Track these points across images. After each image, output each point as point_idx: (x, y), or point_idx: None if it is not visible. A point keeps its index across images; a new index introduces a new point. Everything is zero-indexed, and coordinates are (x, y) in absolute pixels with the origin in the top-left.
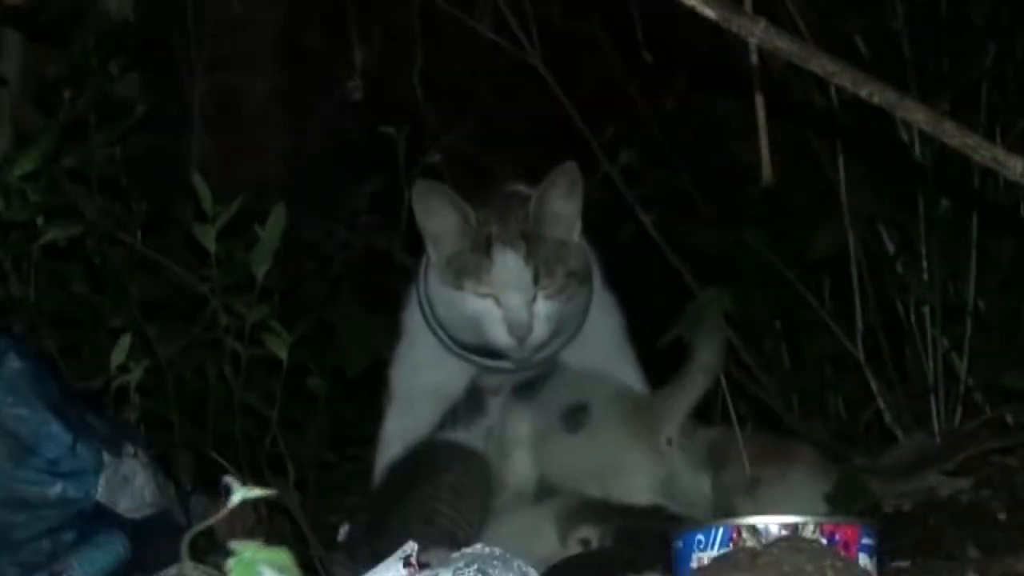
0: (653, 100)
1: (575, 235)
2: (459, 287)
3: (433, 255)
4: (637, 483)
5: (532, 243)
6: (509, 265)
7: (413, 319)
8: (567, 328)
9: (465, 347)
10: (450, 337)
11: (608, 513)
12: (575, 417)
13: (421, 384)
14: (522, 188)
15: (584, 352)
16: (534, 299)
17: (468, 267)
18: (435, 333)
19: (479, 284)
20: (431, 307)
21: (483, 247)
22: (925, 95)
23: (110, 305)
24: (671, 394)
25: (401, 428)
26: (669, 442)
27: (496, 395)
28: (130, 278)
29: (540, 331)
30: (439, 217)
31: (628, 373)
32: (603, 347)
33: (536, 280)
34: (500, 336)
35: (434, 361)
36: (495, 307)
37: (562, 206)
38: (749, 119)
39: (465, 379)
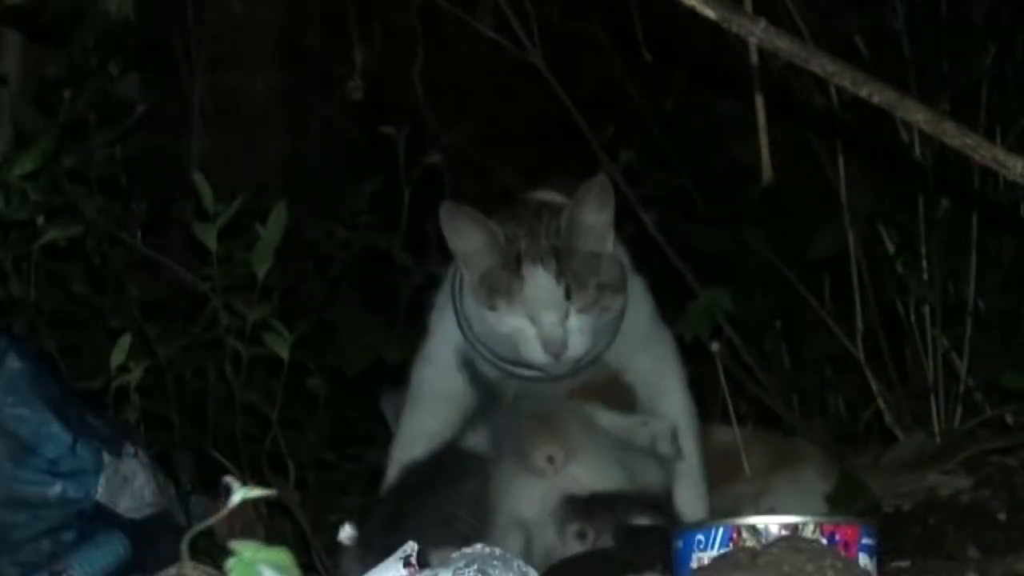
0: (653, 100)
1: (608, 246)
2: (492, 307)
3: (466, 275)
4: (509, 508)
5: (563, 258)
6: (540, 282)
7: (442, 323)
8: (604, 335)
9: (503, 360)
10: (489, 351)
11: (600, 505)
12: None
13: (444, 387)
14: (550, 196)
15: (620, 340)
16: (567, 315)
17: (499, 286)
18: (474, 347)
19: (511, 303)
20: (468, 324)
21: (513, 265)
22: (925, 95)
23: (110, 305)
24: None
25: (420, 428)
26: (550, 460)
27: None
28: (130, 278)
29: (576, 346)
30: (467, 238)
31: (665, 354)
32: (638, 331)
33: (568, 296)
34: (536, 354)
35: (458, 365)
36: (529, 325)
37: (594, 219)
38: (749, 119)
39: (483, 389)
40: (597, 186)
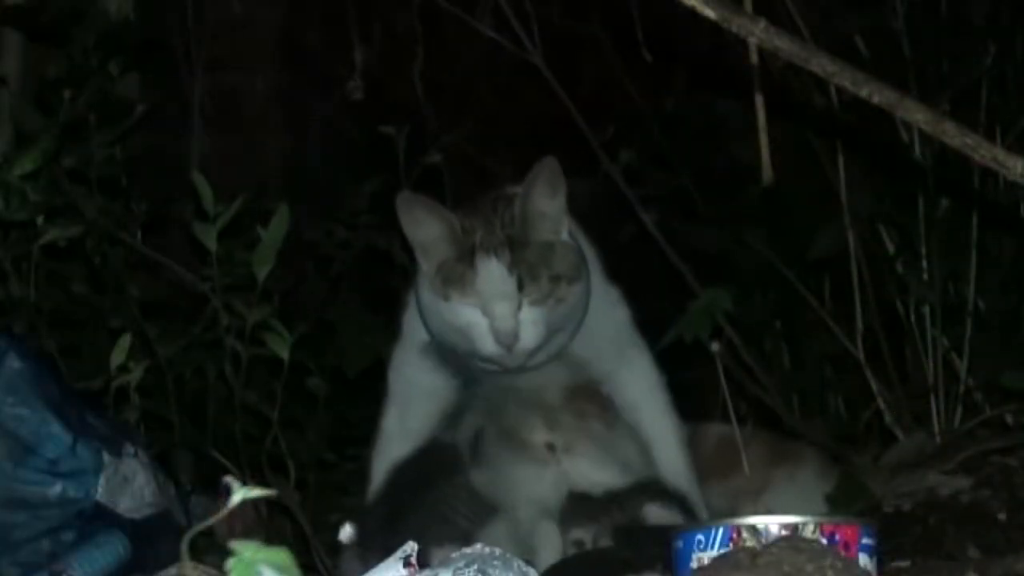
0: (653, 100)
1: (562, 232)
2: (446, 297)
3: (423, 265)
4: (527, 496)
5: (517, 249)
6: (493, 274)
7: (411, 321)
8: (563, 328)
9: (458, 352)
10: (445, 343)
11: (599, 512)
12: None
13: (418, 384)
14: (516, 190)
15: (595, 347)
16: (520, 306)
17: (453, 277)
18: (434, 339)
19: (464, 294)
20: (425, 316)
21: (467, 256)
22: (925, 95)
23: (110, 305)
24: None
25: (399, 427)
26: (550, 447)
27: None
28: (130, 278)
29: (528, 338)
30: (425, 228)
31: (641, 364)
32: (613, 341)
33: (520, 287)
34: (488, 345)
35: (431, 362)
36: (481, 317)
37: (546, 204)
38: (749, 119)
39: (461, 380)
40: (546, 170)
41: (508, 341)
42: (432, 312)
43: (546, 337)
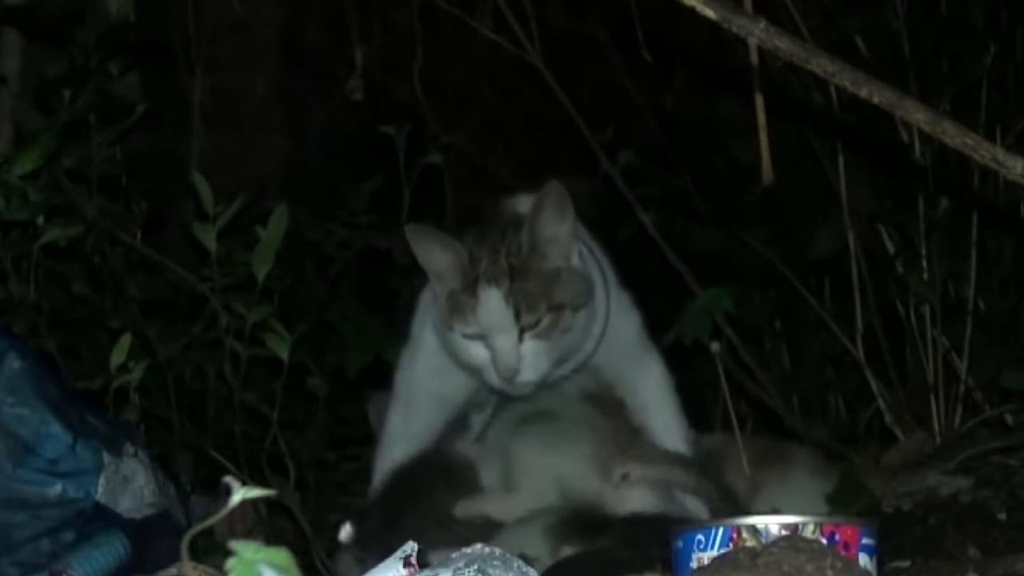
0: (653, 100)
1: (572, 257)
2: (450, 328)
3: (438, 291)
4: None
5: (517, 278)
6: (491, 304)
7: (423, 328)
8: (575, 350)
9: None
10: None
11: (594, 528)
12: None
13: (425, 389)
14: (529, 202)
15: (610, 353)
16: (521, 338)
17: (458, 307)
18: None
19: (466, 324)
20: (440, 337)
21: (471, 286)
22: (925, 95)
23: (110, 305)
24: (663, 452)
25: (404, 430)
26: (624, 477)
27: (480, 411)
28: (130, 278)
29: (529, 371)
30: (435, 258)
31: (652, 368)
32: (625, 347)
33: (518, 317)
34: (491, 377)
35: (439, 369)
36: (483, 349)
37: (555, 229)
38: (749, 119)
39: (469, 389)
40: (552, 194)
41: (508, 374)
42: (443, 339)
43: (549, 369)
